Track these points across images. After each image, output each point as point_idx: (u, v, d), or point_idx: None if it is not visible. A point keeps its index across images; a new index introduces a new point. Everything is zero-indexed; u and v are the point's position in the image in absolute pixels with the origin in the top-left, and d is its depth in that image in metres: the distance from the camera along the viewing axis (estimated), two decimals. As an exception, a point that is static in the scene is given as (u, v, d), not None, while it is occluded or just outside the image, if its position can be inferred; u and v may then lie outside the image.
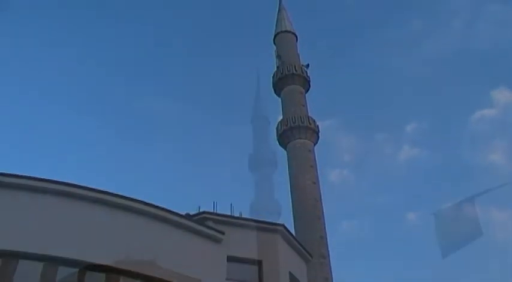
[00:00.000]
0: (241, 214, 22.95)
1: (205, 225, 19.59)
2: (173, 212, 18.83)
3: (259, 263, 19.85)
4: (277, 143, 37.46)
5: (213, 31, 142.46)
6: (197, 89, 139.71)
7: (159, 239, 17.84)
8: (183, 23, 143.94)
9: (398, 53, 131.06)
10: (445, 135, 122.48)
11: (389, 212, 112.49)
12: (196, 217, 20.09)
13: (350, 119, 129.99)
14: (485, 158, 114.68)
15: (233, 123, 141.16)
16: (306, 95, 39.03)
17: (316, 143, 36.50)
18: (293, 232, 24.36)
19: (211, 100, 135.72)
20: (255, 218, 26.23)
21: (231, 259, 19.29)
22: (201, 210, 20.66)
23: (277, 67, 40.01)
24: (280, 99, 39.34)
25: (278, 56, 40.65)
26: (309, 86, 39.44)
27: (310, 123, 36.27)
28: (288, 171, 35.28)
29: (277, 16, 44.14)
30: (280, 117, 38.14)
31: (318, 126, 36.72)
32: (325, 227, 31.95)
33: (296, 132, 35.83)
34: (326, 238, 31.43)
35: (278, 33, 42.58)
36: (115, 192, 17.96)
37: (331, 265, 30.35)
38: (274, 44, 42.50)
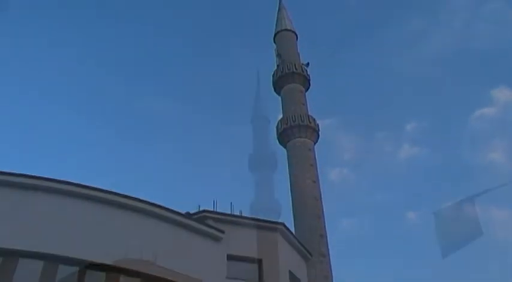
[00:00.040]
0: (241, 213, 22.97)
1: (205, 223, 19.61)
2: (173, 210, 18.85)
3: (259, 262, 19.88)
4: (277, 141, 37.42)
5: (213, 31, 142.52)
6: (197, 89, 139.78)
7: (159, 237, 17.86)
8: (183, 23, 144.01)
9: (398, 53, 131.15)
10: (445, 134, 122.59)
11: (389, 211, 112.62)
12: (196, 216, 20.11)
13: (350, 117, 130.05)
14: (485, 156, 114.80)
15: (233, 123, 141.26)
16: (306, 93, 38.97)
17: (316, 141, 36.46)
18: (293, 231, 24.37)
19: (211, 100, 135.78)
20: (255, 217, 26.24)
21: (231, 258, 19.32)
22: (201, 209, 20.67)
23: (277, 66, 39.97)
24: (280, 98, 39.32)
25: (278, 55, 40.62)
26: (309, 85, 39.40)
27: (310, 122, 36.22)
28: (287, 170, 35.27)
29: (277, 15, 44.11)
30: (280, 116, 38.13)
31: (318, 125, 36.69)
32: (325, 226, 31.91)
33: (296, 131, 35.79)
34: (326, 237, 31.39)
35: (278, 32, 42.54)
36: (115, 191, 18.00)
37: (331, 264, 30.30)
38: (274, 42, 42.48)
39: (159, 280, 16.33)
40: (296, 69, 39.04)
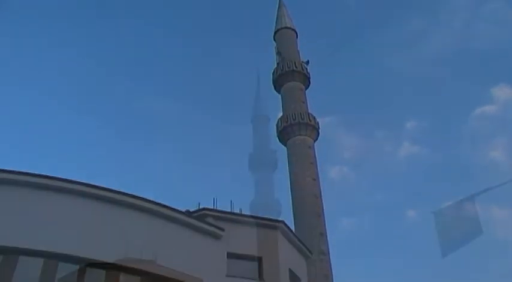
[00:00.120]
0: (241, 211, 22.95)
1: (205, 221, 19.61)
2: (173, 208, 18.85)
3: (259, 260, 19.88)
4: (277, 139, 37.44)
5: (213, 30, 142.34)
6: (197, 89, 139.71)
7: (159, 235, 17.85)
8: (183, 22, 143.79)
9: (398, 52, 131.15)
10: (445, 133, 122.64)
11: (389, 209, 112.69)
12: (196, 214, 20.09)
13: (350, 116, 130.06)
14: (485, 155, 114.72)
15: (233, 122, 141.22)
16: (306, 91, 39.01)
17: (316, 139, 36.49)
18: (293, 229, 24.37)
19: (211, 99, 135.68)
20: (254, 214, 26.23)
21: (231, 255, 19.31)
22: (201, 207, 20.66)
23: (278, 64, 39.98)
24: (280, 96, 39.31)
25: (278, 53, 40.62)
26: (309, 83, 39.42)
27: (310, 120, 36.25)
28: (288, 168, 35.30)
29: (277, 13, 44.08)
30: (280, 114, 38.13)
31: (318, 123, 36.71)
32: (325, 224, 31.98)
33: (296, 129, 35.82)
34: (326, 235, 31.46)
35: (278, 30, 42.52)
36: (114, 187, 18.02)
37: (331, 262, 30.42)
38: (275, 40, 42.46)
39: (159, 278, 16.33)
40: (296, 67, 39.04)
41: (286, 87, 38.56)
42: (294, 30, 42.62)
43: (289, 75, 38.62)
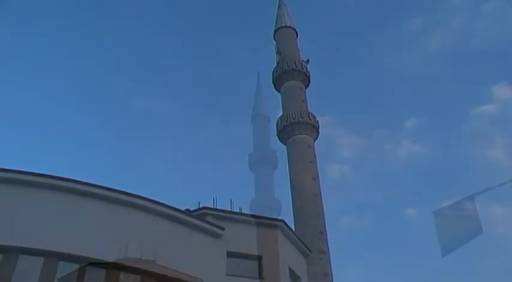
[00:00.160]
0: (241, 210, 22.95)
1: (205, 220, 19.61)
2: (173, 207, 18.85)
3: (259, 259, 19.88)
4: (277, 138, 37.44)
5: (213, 30, 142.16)
6: (197, 89, 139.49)
7: (159, 234, 17.85)
8: (183, 22, 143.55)
9: (398, 51, 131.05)
10: (445, 132, 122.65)
11: (389, 208, 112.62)
12: (196, 213, 20.09)
13: (350, 115, 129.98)
14: (485, 154, 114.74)
15: (233, 122, 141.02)
16: (306, 90, 38.99)
17: (316, 138, 36.49)
18: (293, 228, 24.38)
19: (212, 99, 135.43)
20: (254, 213, 26.23)
21: (230, 254, 19.32)
22: (200, 206, 20.66)
23: (277, 62, 39.95)
24: (280, 95, 39.29)
25: (278, 52, 40.60)
26: (309, 82, 39.39)
27: (310, 119, 36.24)
28: (287, 167, 35.30)
29: (277, 12, 44.05)
30: (280, 113, 38.12)
31: (317, 122, 36.69)
32: (324, 223, 31.99)
33: (296, 128, 35.80)
34: (326, 234, 31.48)
35: (278, 29, 42.50)
36: (114, 186, 18.03)
37: (331, 260, 30.44)
38: (274, 39, 42.43)
39: (159, 277, 16.33)
40: (296, 66, 39.03)
41: (286, 86, 38.54)
42: (294, 29, 42.60)
43: (289, 74, 38.61)
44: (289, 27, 42.49)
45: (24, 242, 15.36)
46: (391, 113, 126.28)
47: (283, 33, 41.96)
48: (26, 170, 16.87)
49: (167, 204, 18.72)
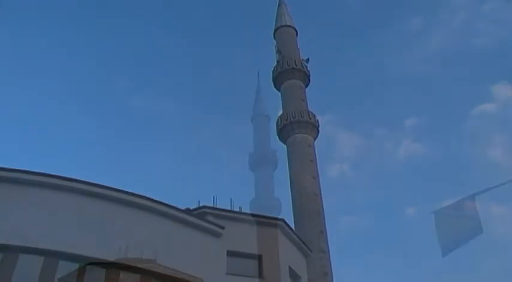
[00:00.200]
0: (241, 209, 22.95)
1: (205, 219, 19.60)
2: (173, 206, 18.85)
3: (259, 258, 19.87)
4: (277, 137, 37.43)
5: (213, 30, 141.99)
6: (197, 89, 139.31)
7: (159, 233, 17.85)
8: (183, 22, 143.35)
9: (398, 51, 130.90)
10: (445, 131, 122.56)
11: (389, 207, 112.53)
12: (196, 212, 20.09)
13: (350, 114, 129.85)
14: (485, 152, 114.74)
15: (233, 122, 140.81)
16: (306, 89, 38.97)
17: (316, 137, 36.47)
18: (293, 227, 24.38)
19: (212, 99, 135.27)
20: (254, 212, 26.22)
21: (231, 253, 19.32)
22: (200, 205, 20.65)
23: (277, 61, 39.92)
24: (280, 94, 39.27)
25: (278, 51, 40.57)
26: (309, 81, 39.37)
27: (310, 118, 36.23)
28: (288, 166, 35.29)
29: (277, 11, 44.01)
30: (280, 112, 38.10)
31: (317, 121, 36.68)
32: (324, 222, 32.00)
33: (296, 127, 35.79)
34: (326, 233, 31.47)
35: (278, 28, 42.47)
36: (115, 186, 18.03)
37: (331, 260, 30.44)
38: (274, 38, 42.40)
39: (159, 276, 16.32)
40: (296, 65, 38.99)
41: (286, 85, 38.52)
42: (293, 28, 42.57)
43: (289, 73, 38.58)
44: (289, 26, 42.47)
45: (25, 241, 15.35)
46: (391, 112, 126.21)
47: (283, 32, 41.94)
48: (26, 170, 16.88)
49: (167, 203, 18.73)
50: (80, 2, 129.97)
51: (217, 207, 20.98)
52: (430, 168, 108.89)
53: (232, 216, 20.66)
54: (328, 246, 30.91)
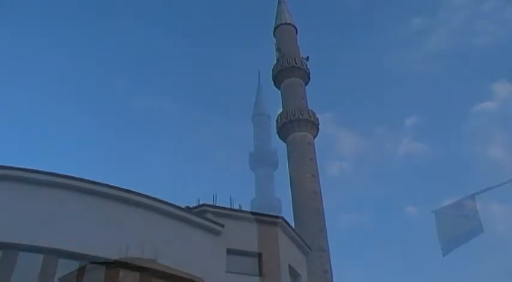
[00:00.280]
0: (240, 207, 22.96)
1: (205, 217, 19.60)
2: (173, 204, 18.85)
3: (259, 256, 19.89)
4: (277, 136, 37.41)
5: (213, 29, 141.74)
6: (197, 88, 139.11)
7: (159, 231, 17.86)
8: (183, 22, 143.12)
9: (398, 49, 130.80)
10: (445, 129, 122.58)
11: (389, 205, 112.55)
12: (195, 210, 20.09)
13: (350, 112, 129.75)
14: (485, 151, 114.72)
15: (234, 121, 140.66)
16: (306, 87, 38.93)
17: (316, 135, 36.44)
18: (293, 225, 24.39)
19: (212, 99, 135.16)
20: (254, 211, 26.24)
21: (230, 252, 19.32)
22: (200, 203, 20.66)
23: (277, 60, 39.87)
24: (280, 92, 39.25)
25: (278, 49, 40.52)
26: (309, 79, 39.32)
27: (310, 116, 36.18)
28: (287, 164, 35.28)
29: (277, 9, 43.95)
30: (280, 111, 38.08)
31: (317, 119, 36.65)
32: (324, 220, 31.98)
33: (296, 125, 35.75)
34: (325, 231, 31.47)
35: (278, 26, 42.40)
36: (115, 185, 18.01)
37: (331, 258, 30.44)
38: (274, 36, 42.35)
39: (159, 274, 16.32)
40: (296, 63, 38.94)
41: (286, 83, 38.48)
42: (293, 26, 42.50)
43: (289, 71, 38.53)
44: (289, 24, 42.40)
45: (24, 239, 15.34)
46: (391, 111, 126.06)
47: (283, 30, 41.87)
48: (26, 167, 16.87)
49: (167, 201, 18.72)
50: (80, 2, 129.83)
51: (217, 205, 20.99)
52: (430, 167, 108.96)
53: (232, 214, 20.67)
54: (328, 244, 30.90)
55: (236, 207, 22.39)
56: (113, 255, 15.84)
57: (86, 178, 17.54)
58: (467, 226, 9.09)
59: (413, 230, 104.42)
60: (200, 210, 20.06)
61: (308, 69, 39.17)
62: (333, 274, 29.65)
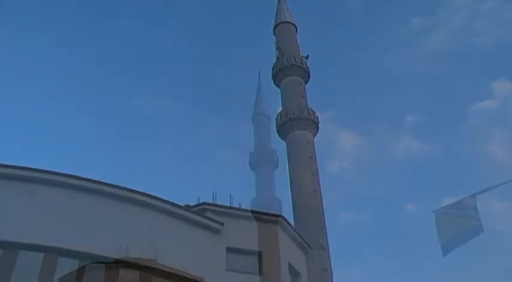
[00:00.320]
0: (240, 205, 22.94)
1: (205, 216, 19.60)
2: (172, 203, 18.86)
3: (258, 254, 19.88)
4: (277, 134, 37.36)
5: (213, 29, 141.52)
6: (197, 88, 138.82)
7: (159, 229, 17.86)
8: (183, 22, 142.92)
9: (398, 48, 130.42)
10: (445, 127, 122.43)
11: (389, 204, 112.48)
12: (195, 208, 20.08)
13: (350, 111, 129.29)
14: (485, 149, 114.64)
15: (234, 121, 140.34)
16: (306, 86, 38.86)
17: (316, 134, 36.39)
18: (292, 224, 24.38)
19: (212, 99, 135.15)
20: (254, 209, 26.22)
21: (230, 250, 19.32)
22: (200, 202, 20.64)
23: (277, 58, 39.82)
24: (280, 91, 39.20)
25: (278, 48, 40.44)
26: (309, 78, 39.25)
27: (309, 115, 36.12)
28: (287, 163, 35.25)
29: (277, 7, 43.89)
30: (280, 109, 38.03)
31: (317, 118, 36.60)
32: (324, 219, 31.96)
33: (296, 124, 35.68)
34: (325, 229, 31.46)
35: (278, 24, 42.31)
36: (115, 184, 18.02)
37: (330, 256, 30.42)
38: (274, 35, 42.29)
39: (159, 273, 16.32)
40: (296, 61, 38.83)
41: (286, 81, 38.42)
42: (293, 24, 42.42)
43: (289, 70, 38.45)
44: (289, 22, 42.31)
45: (24, 238, 15.35)
46: (391, 110, 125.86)
47: (283, 29, 41.79)
48: (27, 166, 16.86)
49: (167, 199, 18.72)
50: (80, 2, 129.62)
51: (217, 203, 20.98)
52: (430, 166, 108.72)
53: (231, 212, 20.66)
54: (327, 243, 30.86)
55: (236, 206, 22.38)
56: (113, 254, 15.83)
57: (86, 177, 17.54)
58: (467, 226, 9.08)
59: (413, 229, 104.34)
60: (200, 208, 20.04)
61: (308, 68, 39.10)
62: (333, 273, 29.63)
